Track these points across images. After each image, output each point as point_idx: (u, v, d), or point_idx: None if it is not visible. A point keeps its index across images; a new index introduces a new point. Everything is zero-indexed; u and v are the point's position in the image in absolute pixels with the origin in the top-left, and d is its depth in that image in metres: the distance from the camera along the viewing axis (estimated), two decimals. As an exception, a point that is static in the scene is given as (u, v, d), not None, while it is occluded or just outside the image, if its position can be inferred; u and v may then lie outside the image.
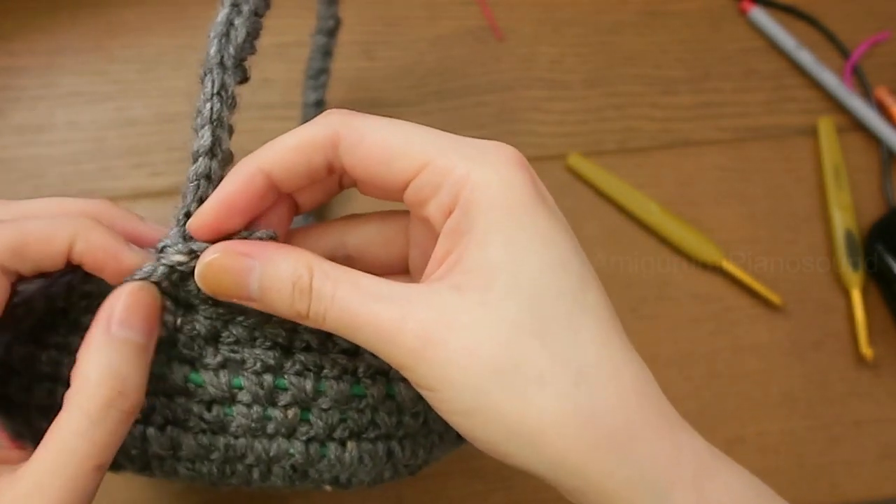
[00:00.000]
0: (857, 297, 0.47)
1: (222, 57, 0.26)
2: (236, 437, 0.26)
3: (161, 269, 0.25)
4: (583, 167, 0.50)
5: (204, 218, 0.25)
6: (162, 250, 0.25)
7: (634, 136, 0.51)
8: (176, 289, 0.26)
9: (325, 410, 0.27)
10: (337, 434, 0.27)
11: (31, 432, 0.27)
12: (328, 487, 0.28)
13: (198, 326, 0.26)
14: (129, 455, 0.27)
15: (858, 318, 0.47)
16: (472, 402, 0.22)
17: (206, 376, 0.26)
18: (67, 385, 0.24)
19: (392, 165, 0.24)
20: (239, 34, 0.26)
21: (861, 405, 0.46)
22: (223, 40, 0.26)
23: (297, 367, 0.26)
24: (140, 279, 0.25)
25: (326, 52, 0.45)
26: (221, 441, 0.26)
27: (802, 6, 0.55)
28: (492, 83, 0.52)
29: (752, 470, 0.47)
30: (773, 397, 0.46)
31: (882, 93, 0.53)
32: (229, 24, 0.26)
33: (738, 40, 0.55)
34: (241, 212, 0.25)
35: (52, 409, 0.24)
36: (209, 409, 0.26)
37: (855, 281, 0.48)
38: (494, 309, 0.22)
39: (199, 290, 0.25)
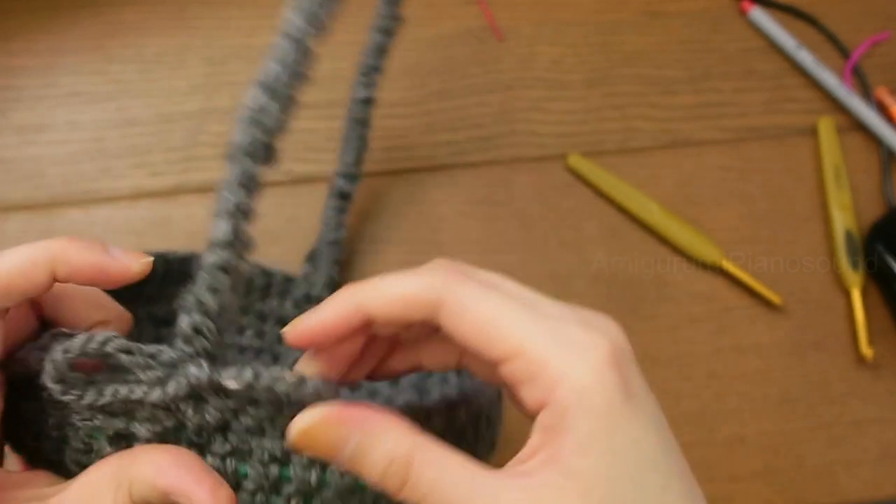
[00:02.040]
0: (857, 297, 0.47)
1: (250, 144, 0.25)
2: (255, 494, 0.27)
3: (181, 384, 0.25)
4: (583, 167, 0.50)
5: (301, 332, 0.26)
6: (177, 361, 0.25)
7: (634, 136, 0.51)
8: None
9: (326, 501, 0.27)
10: None
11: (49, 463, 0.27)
12: None
13: (207, 417, 0.26)
14: None
15: (858, 318, 0.47)
16: None
17: (212, 462, 0.26)
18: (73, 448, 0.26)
19: (488, 346, 0.24)
20: (270, 118, 0.25)
21: (861, 405, 0.46)
22: (252, 126, 0.25)
23: (305, 460, 0.26)
24: (158, 395, 0.25)
25: (382, 51, 0.44)
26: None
27: (802, 6, 0.55)
28: (492, 83, 0.52)
29: (752, 470, 0.47)
30: (773, 397, 0.46)
31: (882, 93, 0.53)
32: (261, 107, 0.25)
33: (738, 40, 0.55)
34: (333, 339, 0.26)
35: (89, 453, 0.25)
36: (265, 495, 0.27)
37: (855, 281, 0.48)
38: None
39: (209, 385, 0.25)
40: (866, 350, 0.46)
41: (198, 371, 0.25)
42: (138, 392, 0.25)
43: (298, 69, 0.26)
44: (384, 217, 0.49)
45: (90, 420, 0.26)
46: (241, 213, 0.25)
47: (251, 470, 0.26)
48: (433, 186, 0.50)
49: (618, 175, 0.50)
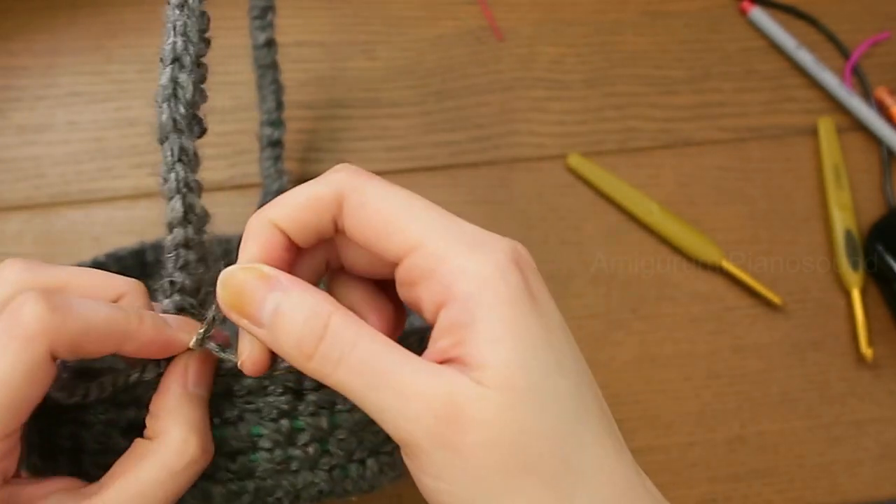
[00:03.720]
0: (857, 297, 0.47)
1: (175, 121, 0.25)
2: (263, 480, 0.27)
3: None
4: (583, 167, 0.50)
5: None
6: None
7: (634, 136, 0.51)
8: None
9: (342, 440, 0.27)
10: (356, 456, 0.28)
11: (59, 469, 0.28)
12: (353, 498, 0.29)
13: None
14: None
15: (858, 318, 0.47)
16: (475, 494, 0.22)
17: (226, 431, 0.27)
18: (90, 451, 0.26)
19: (387, 238, 0.24)
20: (186, 90, 0.25)
21: (861, 405, 0.46)
22: (172, 102, 0.25)
23: (311, 407, 0.27)
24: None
25: None
26: (250, 485, 0.27)
27: (802, 6, 0.55)
28: (492, 83, 0.52)
29: (752, 470, 0.47)
30: (773, 397, 0.46)
31: (882, 93, 0.53)
32: (174, 83, 0.26)
33: (738, 40, 0.55)
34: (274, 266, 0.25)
35: (107, 452, 0.26)
36: (233, 461, 0.27)
37: (855, 281, 0.48)
38: (511, 410, 0.22)
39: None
40: (866, 350, 0.46)
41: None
42: (135, 375, 0.26)
43: (198, 34, 0.26)
44: (384, 217, 0.49)
45: (104, 413, 0.27)
46: (188, 188, 0.26)
47: (263, 428, 0.27)
48: (433, 186, 0.50)
49: (618, 175, 0.50)
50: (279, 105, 0.45)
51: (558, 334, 0.23)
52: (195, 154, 0.26)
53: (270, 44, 0.44)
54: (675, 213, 0.49)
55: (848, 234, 0.48)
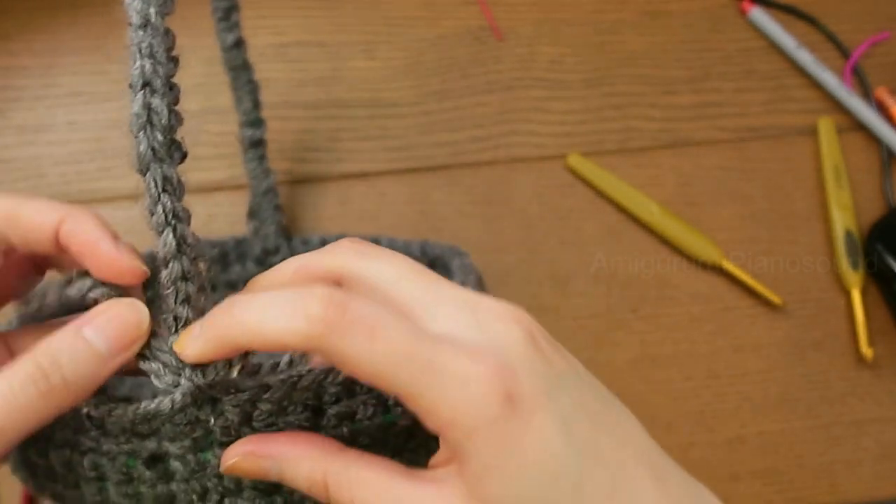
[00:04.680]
0: (857, 297, 0.47)
1: (154, 149, 0.24)
2: (291, 493, 0.27)
3: (186, 387, 0.25)
4: (583, 167, 0.50)
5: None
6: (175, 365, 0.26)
7: (634, 136, 0.51)
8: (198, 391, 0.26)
9: (366, 446, 0.27)
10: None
11: None
12: None
13: (228, 416, 0.26)
14: None
15: (858, 318, 0.47)
16: None
17: None
18: (114, 481, 0.26)
19: (378, 388, 0.24)
20: (161, 116, 0.24)
21: (861, 405, 0.46)
22: (148, 130, 0.24)
23: (333, 421, 0.27)
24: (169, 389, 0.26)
25: None
26: (278, 500, 0.27)
27: (802, 6, 0.55)
28: (492, 83, 0.52)
29: (752, 470, 0.47)
30: (773, 397, 0.46)
31: (882, 93, 0.53)
32: (148, 109, 0.24)
33: (738, 40, 0.55)
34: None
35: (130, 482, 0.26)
36: (261, 481, 0.27)
37: (855, 281, 0.48)
38: None
39: (216, 386, 0.26)
40: (866, 350, 0.46)
41: (193, 375, 0.25)
42: (152, 406, 0.26)
43: (165, 54, 0.25)
44: (384, 217, 0.49)
45: (126, 444, 0.27)
46: (177, 219, 0.25)
47: None
48: (433, 186, 0.50)
49: (618, 175, 0.50)
50: (256, 104, 0.45)
51: (554, 436, 0.23)
52: (179, 181, 0.25)
53: (239, 44, 0.44)
54: (675, 213, 0.49)
55: (848, 234, 0.48)
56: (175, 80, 0.25)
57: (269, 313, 0.24)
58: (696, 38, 0.55)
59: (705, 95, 0.53)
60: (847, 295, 0.48)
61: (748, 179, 0.51)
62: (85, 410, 0.27)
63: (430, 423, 0.23)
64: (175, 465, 0.27)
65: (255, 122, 0.45)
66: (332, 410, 0.27)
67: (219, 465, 0.26)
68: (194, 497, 0.27)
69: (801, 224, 0.50)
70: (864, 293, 0.48)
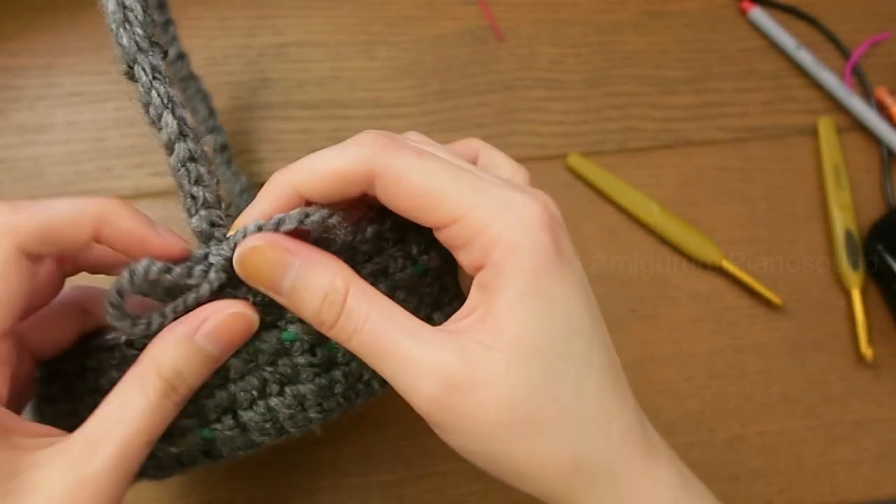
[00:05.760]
0: (857, 297, 0.47)
1: (137, 42, 0.26)
2: (348, 364, 0.27)
3: (219, 264, 0.25)
4: (583, 167, 0.50)
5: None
6: (207, 244, 0.26)
7: (634, 136, 0.51)
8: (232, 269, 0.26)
9: (404, 300, 0.27)
10: (423, 312, 0.28)
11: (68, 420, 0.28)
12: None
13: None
14: (235, 444, 0.28)
15: (858, 318, 0.47)
16: (484, 446, 0.24)
17: (296, 328, 0.27)
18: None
19: (426, 214, 0.25)
20: (136, 12, 0.26)
21: (861, 405, 0.46)
22: (127, 27, 0.26)
23: (369, 280, 0.27)
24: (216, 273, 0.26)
25: (162, 4, 0.43)
26: (338, 373, 0.27)
27: (802, 6, 0.55)
28: (492, 83, 0.52)
29: (752, 470, 0.47)
30: (773, 397, 0.46)
31: (882, 93, 0.53)
32: (123, 8, 0.26)
33: (738, 40, 0.55)
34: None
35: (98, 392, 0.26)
36: (314, 354, 0.27)
37: (855, 281, 0.48)
38: (517, 370, 0.24)
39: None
40: (866, 350, 0.46)
41: (222, 248, 0.25)
42: (194, 296, 0.26)
43: (145, 36, 0.26)
44: (384, 217, 0.49)
45: None
46: (173, 103, 0.26)
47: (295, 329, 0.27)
48: (433, 186, 0.50)
49: (618, 175, 0.50)
50: (211, 112, 0.46)
51: (577, 296, 0.25)
52: (167, 73, 0.26)
53: (181, 56, 0.45)
54: (675, 213, 0.49)
55: (848, 234, 0.48)
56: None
57: (323, 155, 0.25)
58: (696, 38, 0.55)
59: (705, 95, 0.53)
60: (847, 295, 0.48)
61: (748, 179, 0.51)
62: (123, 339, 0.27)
63: (473, 248, 0.24)
64: (232, 362, 0.27)
65: (214, 128, 0.46)
66: (365, 270, 0.27)
67: (271, 347, 0.26)
68: (254, 393, 0.27)
69: (801, 224, 0.50)
70: (864, 293, 0.48)
